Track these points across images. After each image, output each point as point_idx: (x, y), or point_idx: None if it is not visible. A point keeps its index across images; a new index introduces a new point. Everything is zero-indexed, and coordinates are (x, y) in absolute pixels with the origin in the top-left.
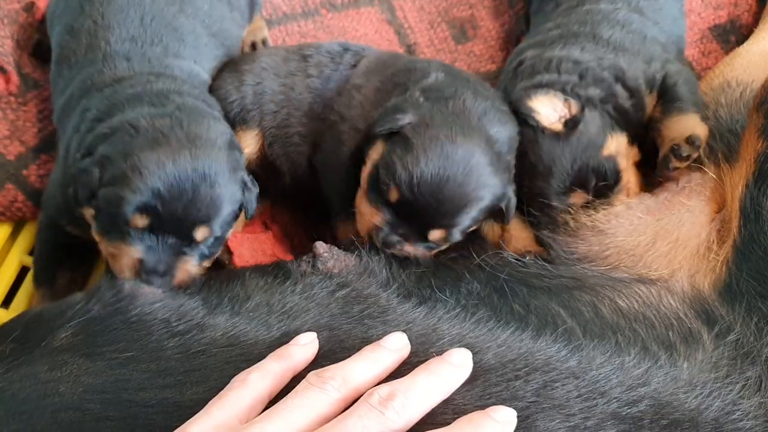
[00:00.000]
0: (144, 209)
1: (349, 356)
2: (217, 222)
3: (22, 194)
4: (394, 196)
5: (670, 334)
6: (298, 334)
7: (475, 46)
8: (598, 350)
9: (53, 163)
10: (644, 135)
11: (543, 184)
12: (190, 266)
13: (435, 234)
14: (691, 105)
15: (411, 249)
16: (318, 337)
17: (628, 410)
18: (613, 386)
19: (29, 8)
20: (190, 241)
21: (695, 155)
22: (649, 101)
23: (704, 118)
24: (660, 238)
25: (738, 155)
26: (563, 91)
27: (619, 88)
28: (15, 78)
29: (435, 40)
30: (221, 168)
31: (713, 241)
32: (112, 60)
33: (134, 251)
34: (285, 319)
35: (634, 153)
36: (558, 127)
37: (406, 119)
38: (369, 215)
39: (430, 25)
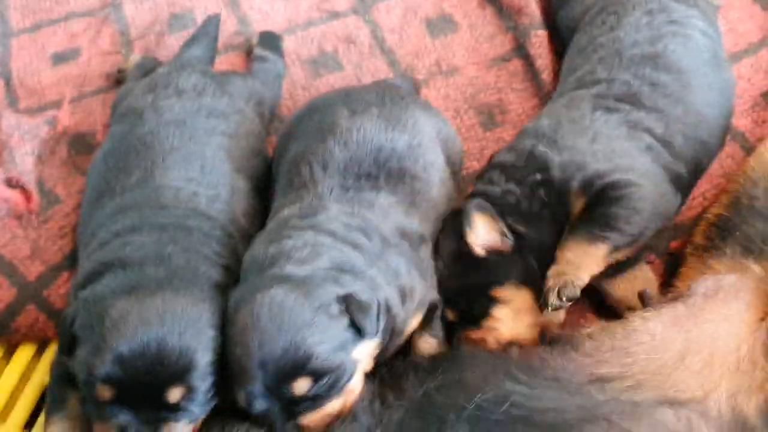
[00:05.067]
0: (106, 379)
1: None
2: (195, 375)
3: (43, 314)
4: (106, 392)
5: None
6: None
7: (504, 131)
8: None
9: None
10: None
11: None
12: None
13: (299, 385)
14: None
15: None
16: None
17: None
18: None
19: (51, 121)
20: (169, 406)
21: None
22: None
23: (752, 198)
24: (690, 353)
25: None
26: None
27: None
28: (35, 196)
29: (462, 128)
30: (196, 316)
31: (759, 355)
32: (162, 189)
33: (110, 428)
34: None
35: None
36: (479, 252)
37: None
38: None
39: (456, 113)
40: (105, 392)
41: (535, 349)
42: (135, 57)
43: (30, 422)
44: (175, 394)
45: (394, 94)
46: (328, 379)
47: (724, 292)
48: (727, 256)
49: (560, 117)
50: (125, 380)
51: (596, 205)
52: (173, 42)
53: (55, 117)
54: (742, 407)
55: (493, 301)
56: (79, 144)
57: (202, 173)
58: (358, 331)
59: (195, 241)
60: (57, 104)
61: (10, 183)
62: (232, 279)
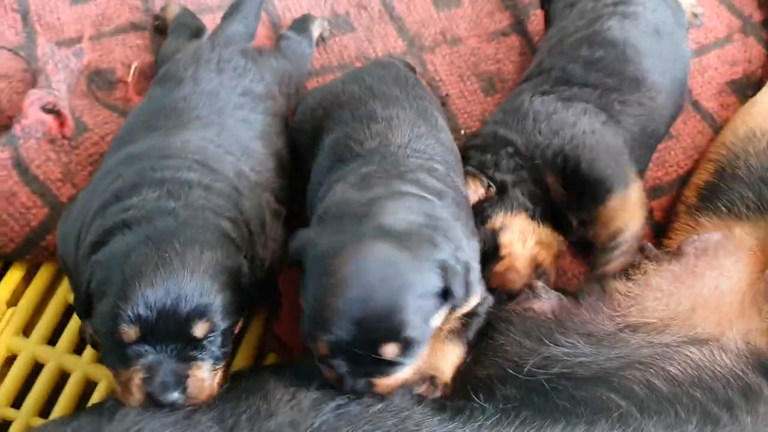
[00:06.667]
0: (133, 319)
1: None
2: (216, 312)
3: None
4: (132, 333)
5: (729, 392)
6: None
7: (503, 97)
8: (659, 427)
9: None
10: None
11: None
12: (204, 373)
13: (389, 349)
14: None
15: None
16: None
17: None
18: None
19: (78, 53)
20: (194, 342)
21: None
22: (549, 179)
23: (734, 167)
24: (698, 306)
25: None
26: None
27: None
28: (70, 121)
29: (465, 92)
30: (211, 259)
31: (763, 302)
32: (171, 141)
33: (136, 370)
34: None
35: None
36: (474, 200)
37: None
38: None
39: (460, 78)
40: (131, 333)
41: (567, 309)
42: (174, 8)
43: (53, 338)
44: (200, 329)
45: (417, 95)
46: (413, 347)
47: (713, 249)
48: (715, 215)
49: (507, 107)
50: (151, 318)
51: (573, 176)
52: None
53: (81, 49)
54: (755, 342)
55: (494, 232)
56: (100, 79)
57: (219, 137)
58: (444, 297)
59: (197, 197)
60: (76, 41)
61: (46, 107)
62: (239, 231)
